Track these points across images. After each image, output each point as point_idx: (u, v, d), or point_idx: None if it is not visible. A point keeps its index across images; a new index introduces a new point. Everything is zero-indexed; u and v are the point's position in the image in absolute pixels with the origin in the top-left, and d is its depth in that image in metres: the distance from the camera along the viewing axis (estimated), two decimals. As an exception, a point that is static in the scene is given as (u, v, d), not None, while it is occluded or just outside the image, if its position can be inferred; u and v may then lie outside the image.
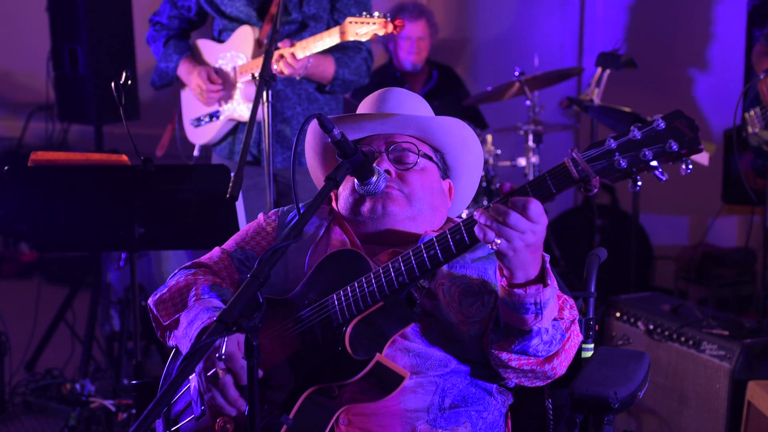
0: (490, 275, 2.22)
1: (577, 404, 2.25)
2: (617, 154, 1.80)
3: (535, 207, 1.86)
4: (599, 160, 1.82)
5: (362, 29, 3.47)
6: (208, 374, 2.12)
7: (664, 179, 1.80)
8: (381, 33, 3.45)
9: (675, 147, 1.76)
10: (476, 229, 1.89)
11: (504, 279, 1.96)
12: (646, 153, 1.78)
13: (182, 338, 2.24)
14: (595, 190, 1.85)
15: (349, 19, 3.51)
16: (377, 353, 2.06)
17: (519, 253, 1.88)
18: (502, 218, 1.85)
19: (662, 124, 1.78)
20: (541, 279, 1.96)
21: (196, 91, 4.03)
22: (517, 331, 2.02)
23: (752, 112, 4.42)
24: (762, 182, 4.88)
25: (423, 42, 5.80)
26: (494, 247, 1.88)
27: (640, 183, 1.82)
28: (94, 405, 4.25)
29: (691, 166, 1.78)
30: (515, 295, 1.94)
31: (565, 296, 2.18)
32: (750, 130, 4.44)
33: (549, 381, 2.17)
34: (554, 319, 2.05)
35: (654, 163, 1.78)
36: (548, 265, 1.98)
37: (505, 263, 1.92)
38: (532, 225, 1.86)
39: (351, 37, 3.51)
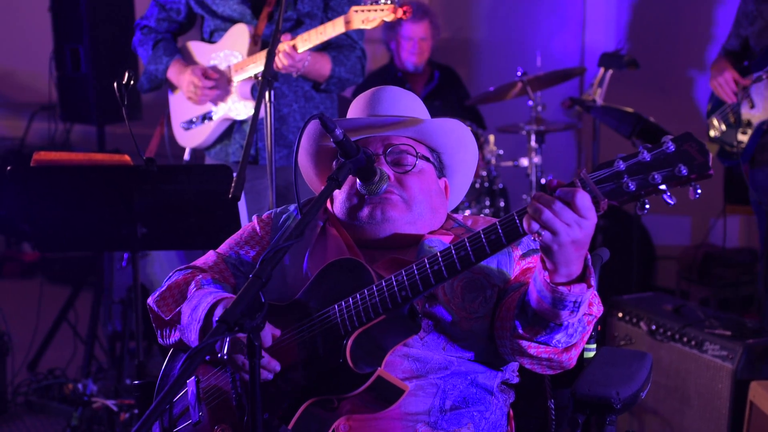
0: (492, 268, 2.21)
1: (580, 404, 2.26)
2: (626, 176, 1.77)
3: (583, 199, 1.79)
4: (607, 182, 1.79)
5: (370, 16, 3.44)
6: (228, 347, 2.05)
7: (672, 203, 1.76)
8: (389, 19, 3.41)
9: (684, 171, 1.73)
10: (526, 221, 1.84)
11: (546, 273, 1.91)
12: (656, 176, 1.75)
13: (188, 325, 2.21)
14: (602, 212, 1.82)
15: (354, 8, 3.48)
16: (378, 367, 2.05)
17: (564, 247, 1.83)
18: (549, 207, 1.80)
19: (672, 147, 1.75)
20: (583, 278, 1.91)
21: (189, 89, 3.97)
22: (547, 323, 1.99)
23: (714, 119, 4.51)
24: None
25: (425, 43, 5.80)
26: (537, 239, 1.84)
27: (648, 206, 1.78)
28: (96, 405, 4.25)
29: (699, 191, 1.74)
30: (558, 292, 1.90)
31: (594, 291, 2.13)
32: (712, 134, 4.52)
33: (560, 371, 2.15)
34: (583, 314, 2.02)
35: (663, 186, 1.75)
36: (590, 264, 1.92)
37: (549, 257, 1.87)
38: (579, 219, 1.80)
39: (356, 26, 3.49)
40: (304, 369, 2.13)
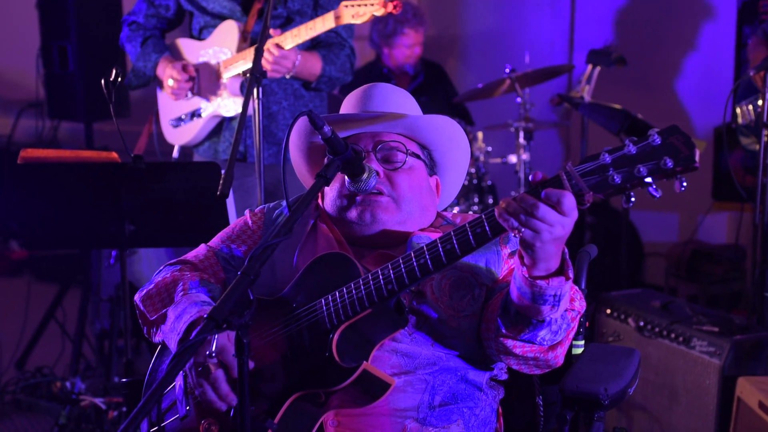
0: (481, 267, 2.22)
1: (568, 401, 2.26)
2: (611, 169, 1.77)
3: (569, 201, 1.80)
4: (593, 175, 1.79)
5: (360, 11, 3.43)
6: (199, 369, 2.10)
7: (657, 196, 1.76)
8: (379, 13, 3.39)
9: (670, 164, 1.73)
10: (503, 215, 1.85)
11: (524, 268, 1.92)
12: (641, 169, 1.75)
13: (170, 333, 2.22)
14: (587, 205, 1.83)
15: (344, 2, 3.45)
16: (364, 361, 2.05)
17: (545, 244, 1.84)
18: (531, 210, 1.81)
19: (658, 140, 1.75)
20: (561, 271, 1.93)
21: (168, 83, 3.96)
22: (529, 320, 2.00)
23: (744, 107, 4.44)
24: (751, 179, 4.90)
25: (420, 46, 5.88)
26: (517, 236, 1.85)
27: (633, 199, 1.78)
28: (84, 403, 4.24)
29: (685, 183, 1.74)
30: (537, 287, 1.91)
31: (576, 287, 2.15)
32: (740, 121, 4.46)
33: (548, 370, 2.16)
34: (565, 310, 2.03)
35: (648, 179, 1.75)
36: (568, 257, 1.94)
37: (528, 253, 1.88)
38: (562, 218, 1.81)
39: (346, 21, 3.46)
40: (291, 363, 2.14)
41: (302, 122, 2.39)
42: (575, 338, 2.53)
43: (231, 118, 3.98)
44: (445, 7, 6.98)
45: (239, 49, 3.87)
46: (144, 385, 2.43)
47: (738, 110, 4.48)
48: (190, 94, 3.99)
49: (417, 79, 5.96)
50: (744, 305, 5.59)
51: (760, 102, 4.31)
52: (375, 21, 5.84)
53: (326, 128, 2.09)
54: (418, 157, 2.36)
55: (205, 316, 2.15)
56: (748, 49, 4.63)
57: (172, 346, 2.21)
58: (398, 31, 5.77)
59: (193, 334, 2.11)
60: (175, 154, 4.21)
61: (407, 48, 5.83)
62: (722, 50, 5.93)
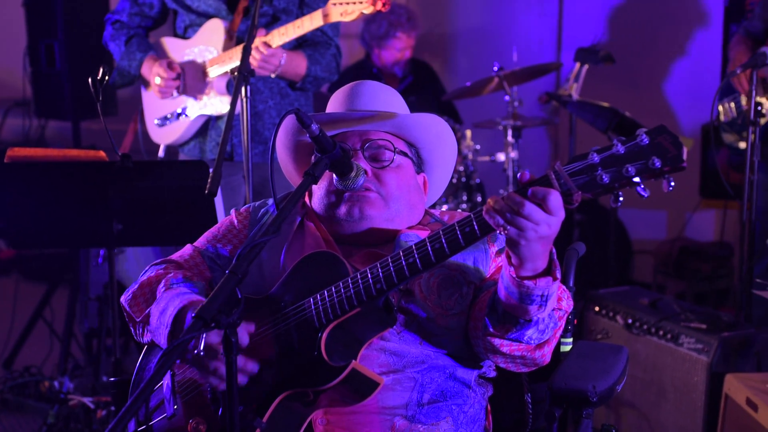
0: (469, 265, 2.22)
1: (556, 398, 2.26)
2: (600, 168, 1.78)
3: (555, 199, 1.81)
4: (581, 174, 1.80)
5: (348, 9, 3.41)
6: (202, 352, 2.03)
7: (645, 196, 1.77)
8: (368, 11, 3.37)
9: (658, 164, 1.74)
10: (489, 211, 1.85)
11: (512, 268, 1.93)
12: (629, 169, 1.76)
13: (157, 328, 2.20)
14: (576, 205, 1.83)
15: (332, 0, 3.44)
16: (353, 360, 2.05)
17: (531, 243, 1.85)
18: (517, 207, 1.81)
19: (646, 140, 1.76)
20: (549, 271, 1.93)
21: (155, 80, 3.93)
22: (516, 320, 2.01)
23: (726, 105, 4.46)
24: (737, 176, 4.91)
25: (411, 50, 5.90)
26: (502, 233, 1.85)
27: (621, 198, 1.79)
28: (72, 402, 4.23)
29: (673, 183, 1.75)
30: (524, 287, 1.92)
31: (563, 286, 2.16)
32: (723, 118, 4.48)
33: (535, 368, 2.17)
34: (552, 309, 2.04)
35: (636, 179, 1.76)
36: (555, 258, 1.94)
37: (515, 252, 1.89)
38: (548, 217, 1.82)
39: (335, 19, 3.45)
40: (280, 362, 2.13)
41: (289, 121, 2.39)
42: (564, 336, 2.53)
43: (217, 118, 3.97)
44: (433, 5, 6.98)
45: (225, 48, 3.85)
46: (131, 383, 2.42)
47: (720, 107, 4.49)
48: (176, 93, 3.97)
49: (407, 78, 5.97)
50: (731, 302, 5.61)
51: (744, 100, 4.33)
52: (368, 22, 5.86)
53: (314, 126, 2.09)
54: (405, 155, 2.36)
55: (189, 302, 2.15)
56: (729, 46, 4.65)
57: (162, 340, 2.19)
58: (391, 34, 5.79)
59: (187, 320, 2.10)
60: (161, 153, 4.20)
61: (398, 51, 5.85)
62: (709, 48, 5.95)
